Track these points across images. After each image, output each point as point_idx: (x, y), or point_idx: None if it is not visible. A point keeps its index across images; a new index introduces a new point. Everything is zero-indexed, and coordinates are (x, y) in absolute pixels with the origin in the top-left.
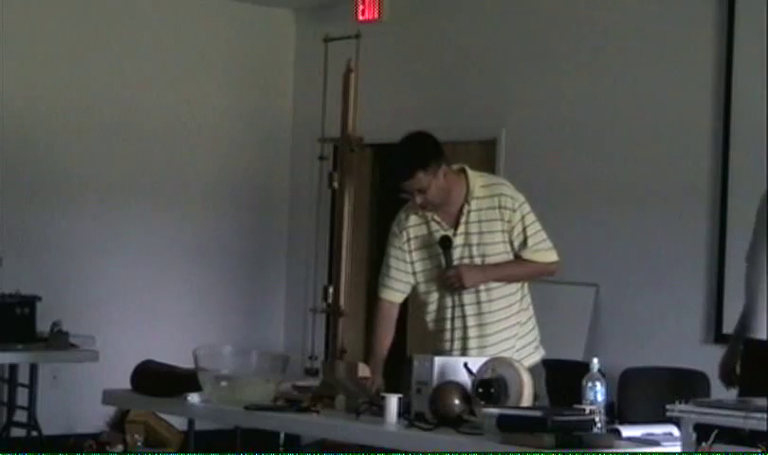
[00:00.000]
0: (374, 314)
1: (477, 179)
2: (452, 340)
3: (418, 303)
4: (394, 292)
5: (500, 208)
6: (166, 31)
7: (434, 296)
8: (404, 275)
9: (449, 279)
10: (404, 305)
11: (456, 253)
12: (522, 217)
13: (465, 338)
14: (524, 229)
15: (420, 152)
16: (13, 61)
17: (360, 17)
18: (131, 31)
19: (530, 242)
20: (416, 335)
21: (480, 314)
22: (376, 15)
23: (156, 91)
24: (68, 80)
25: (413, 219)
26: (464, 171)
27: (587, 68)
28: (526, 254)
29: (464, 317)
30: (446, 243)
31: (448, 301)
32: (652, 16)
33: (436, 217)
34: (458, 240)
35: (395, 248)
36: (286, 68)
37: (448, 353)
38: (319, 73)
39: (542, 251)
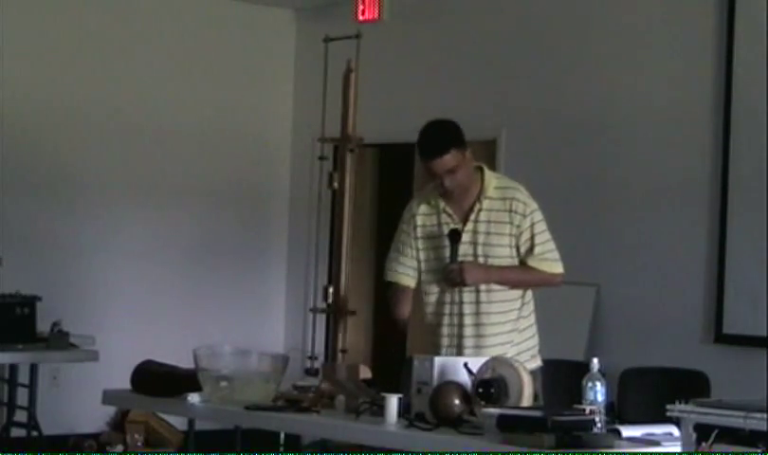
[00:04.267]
0: (389, 299)
1: (492, 179)
2: (448, 336)
3: (420, 295)
4: (402, 275)
5: (510, 211)
6: (166, 31)
7: (434, 288)
8: (410, 260)
9: (451, 273)
10: None
11: (461, 249)
12: (532, 224)
13: (460, 337)
14: (533, 236)
15: (455, 131)
16: (14, 61)
17: (360, 17)
18: (131, 31)
19: (537, 249)
20: (416, 334)
21: (477, 314)
22: (376, 15)
23: (157, 91)
24: (68, 80)
25: (424, 208)
26: (481, 169)
27: (587, 68)
28: (532, 261)
29: (461, 315)
30: (455, 236)
31: (447, 297)
32: (652, 16)
33: (448, 209)
34: (465, 237)
35: (403, 233)
36: (286, 68)
37: (444, 348)
38: (319, 73)
39: (548, 261)
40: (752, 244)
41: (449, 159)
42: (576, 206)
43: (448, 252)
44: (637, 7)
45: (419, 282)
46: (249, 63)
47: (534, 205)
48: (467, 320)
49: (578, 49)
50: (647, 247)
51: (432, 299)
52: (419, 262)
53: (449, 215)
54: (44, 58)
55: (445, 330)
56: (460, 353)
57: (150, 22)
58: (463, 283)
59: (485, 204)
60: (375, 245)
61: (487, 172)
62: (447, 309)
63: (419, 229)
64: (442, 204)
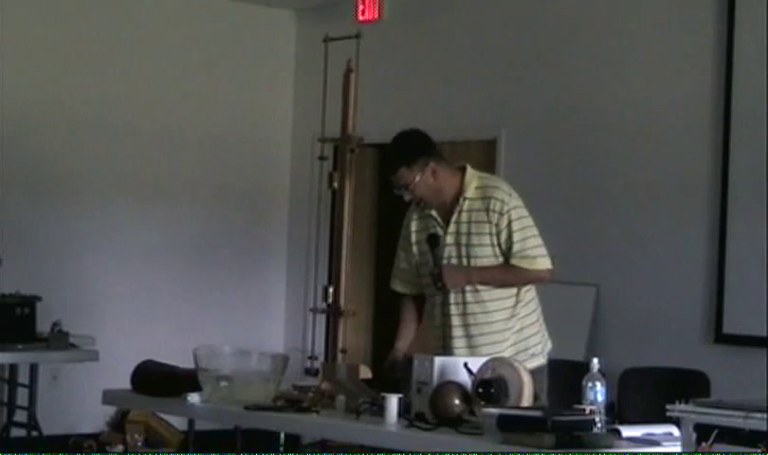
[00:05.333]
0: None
1: (474, 179)
2: (439, 337)
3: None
4: (403, 284)
5: (488, 210)
6: (166, 31)
7: (429, 290)
8: (408, 266)
9: (434, 277)
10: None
11: (446, 251)
12: (510, 222)
13: (449, 337)
14: (511, 235)
15: (404, 149)
16: (14, 62)
17: (360, 17)
18: (131, 31)
19: (516, 247)
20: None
21: (464, 314)
22: (376, 15)
23: (156, 91)
24: (68, 80)
25: (417, 213)
26: (464, 169)
27: (587, 68)
28: (513, 260)
29: (449, 315)
30: (432, 241)
31: (437, 299)
32: (652, 16)
33: (434, 213)
34: (448, 238)
35: (402, 239)
36: (286, 68)
37: (436, 349)
38: (319, 73)
39: (530, 258)
40: (752, 244)
41: (399, 177)
42: (575, 205)
43: (430, 256)
44: (637, 7)
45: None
46: (249, 63)
47: (514, 202)
48: (455, 321)
49: (578, 50)
50: (647, 247)
51: (429, 300)
52: (417, 265)
53: (434, 218)
54: (44, 58)
55: (435, 331)
56: (450, 353)
57: (150, 22)
58: (444, 287)
59: (466, 205)
60: (375, 245)
61: (469, 173)
62: (437, 311)
63: (414, 234)
64: (427, 209)
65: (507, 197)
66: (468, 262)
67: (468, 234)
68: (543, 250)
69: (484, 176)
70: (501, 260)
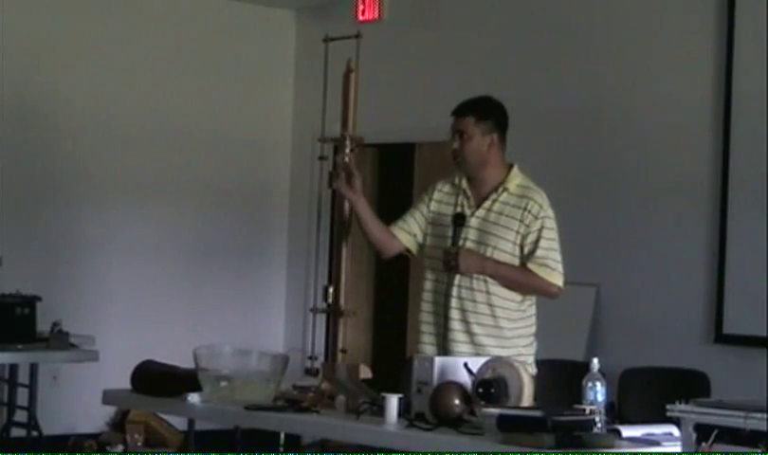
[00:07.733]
0: None
1: (518, 177)
2: (434, 315)
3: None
4: (398, 229)
5: (524, 209)
6: (166, 31)
7: (431, 275)
8: (413, 221)
9: (448, 255)
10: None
11: (468, 232)
12: (542, 228)
13: (447, 318)
14: (538, 239)
15: (485, 105)
16: (14, 62)
17: (360, 17)
18: (130, 31)
19: (539, 253)
20: (416, 332)
21: (465, 299)
22: (376, 15)
23: (157, 91)
24: (68, 80)
25: (447, 189)
26: (511, 166)
27: (587, 69)
28: (531, 264)
29: (450, 296)
30: (459, 220)
31: (441, 287)
32: (652, 16)
33: (468, 191)
34: (473, 222)
35: (419, 201)
36: (286, 68)
37: (428, 335)
38: (319, 73)
39: (548, 268)
40: (752, 244)
41: (463, 122)
42: (575, 205)
43: (450, 232)
44: (637, 8)
45: (419, 256)
46: (249, 63)
47: (550, 212)
48: (453, 303)
49: (578, 50)
50: (647, 247)
51: (428, 285)
52: (425, 235)
53: (467, 197)
54: (43, 59)
55: (431, 318)
56: (445, 345)
57: (150, 22)
58: (456, 268)
59: (503, 196)
60: None
61: (516, 170)
62: (440, 299)
63: (434, 203)
64: (464, 184)
65: (546, 205)
66: (485, 250)
67: (495, 224)
68: (561, 268)
69: (527, 179)
70: (517, 262)
